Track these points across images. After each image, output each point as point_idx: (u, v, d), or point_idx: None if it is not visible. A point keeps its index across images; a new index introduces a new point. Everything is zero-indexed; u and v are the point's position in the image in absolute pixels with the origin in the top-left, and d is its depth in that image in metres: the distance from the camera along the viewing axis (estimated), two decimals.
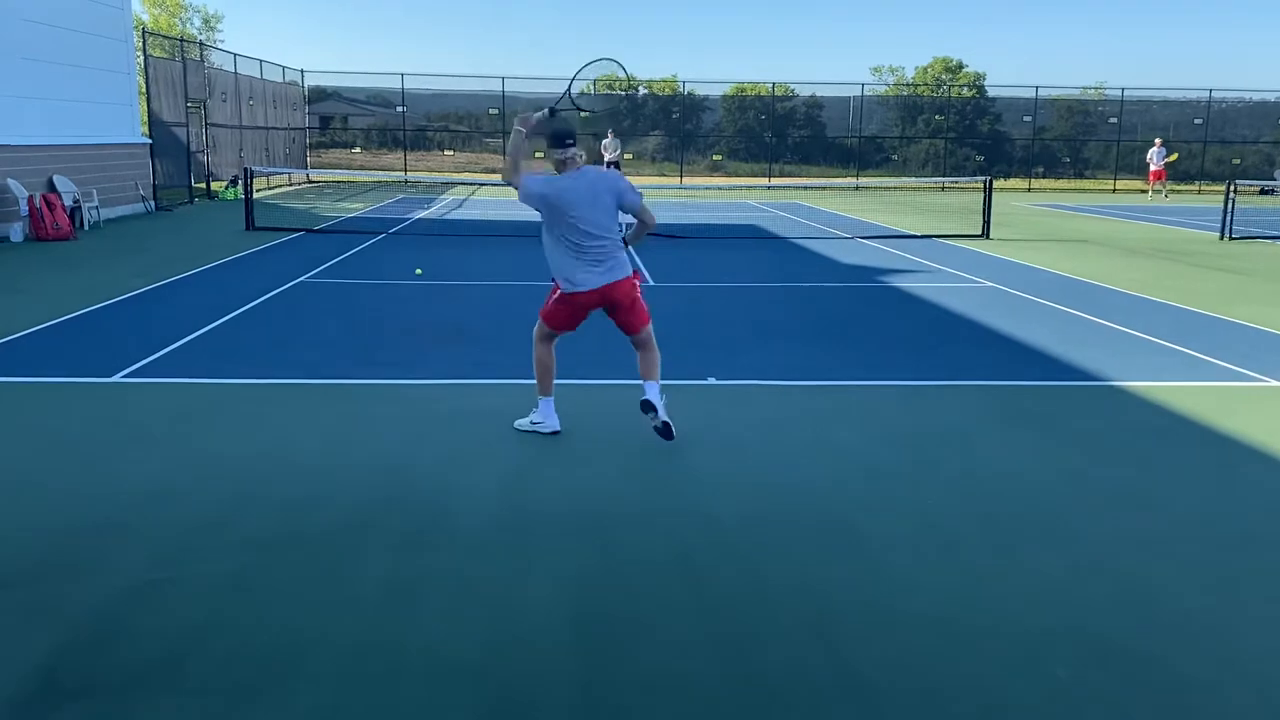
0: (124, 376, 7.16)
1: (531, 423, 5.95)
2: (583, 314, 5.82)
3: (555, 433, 5.89)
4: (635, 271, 5.86)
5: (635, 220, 5.99)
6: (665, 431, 5.63)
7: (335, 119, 40.27)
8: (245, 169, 18.84)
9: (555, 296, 5.81)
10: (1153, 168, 31.37)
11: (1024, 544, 4.48)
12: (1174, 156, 31.93)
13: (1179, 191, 33.88)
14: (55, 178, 16.67)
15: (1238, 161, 36.98)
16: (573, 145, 5.62)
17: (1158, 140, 31.88)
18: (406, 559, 4.22)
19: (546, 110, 5.90)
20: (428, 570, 4.12)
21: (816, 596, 3.95)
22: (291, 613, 3.75)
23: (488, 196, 27.64)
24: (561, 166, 5.63)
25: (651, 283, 11.94)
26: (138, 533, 4.44)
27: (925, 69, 46.72)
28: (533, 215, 5.82)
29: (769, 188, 32.42)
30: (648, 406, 5.65)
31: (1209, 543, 4.54)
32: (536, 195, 5.57)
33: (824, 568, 4.21)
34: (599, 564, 4.21)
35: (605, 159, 30.82)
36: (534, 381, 5.92)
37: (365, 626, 3.65)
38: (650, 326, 5.90)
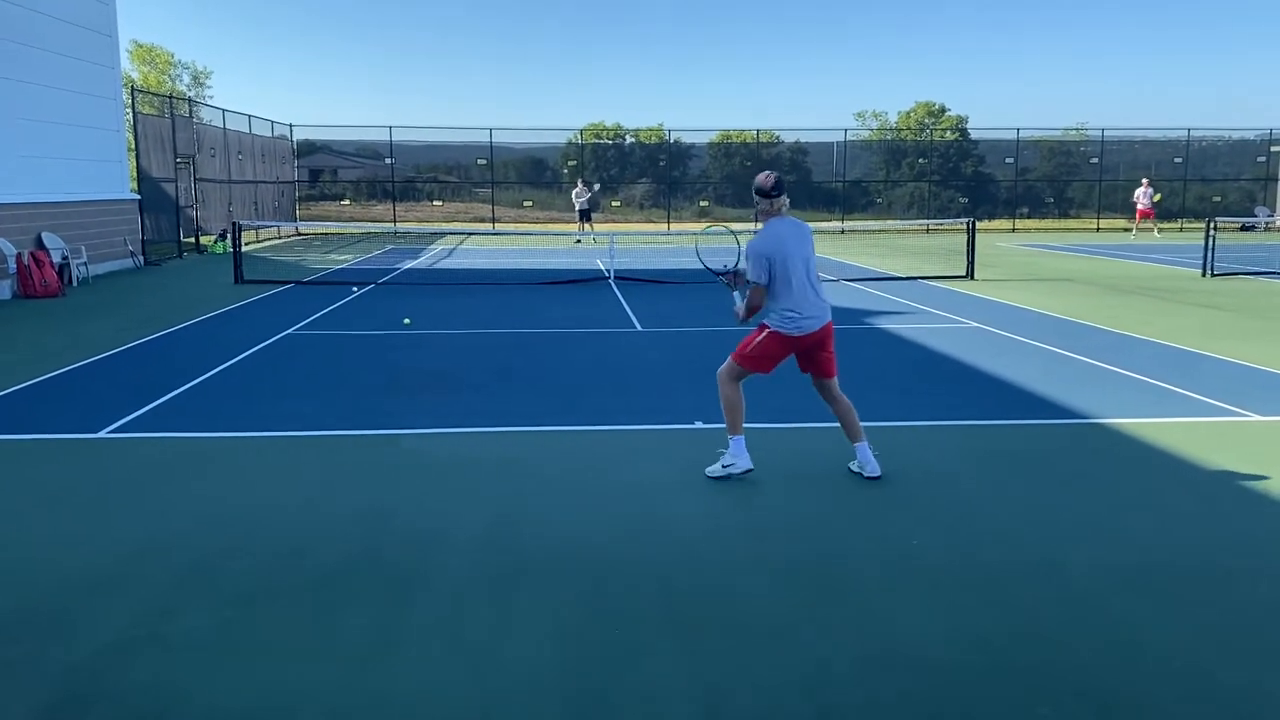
0: (110, 432, 7.15)
1: (723, 466, 6.02)
2: (789, 354, 6.03)
3: (749, 471, 5.98)
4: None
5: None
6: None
7: (325, 172, 40.58)
8: (233, 223, 18.94)
9: (763, 338, 5.98)
10: (1140, 206, 31.68)
11: (1009, 583, 4.49)
12: (1159, 198, 32.20)
13: (1163, 229, 34.20)
14: (44, 235, 16.74)
15: (1218, 199, 37.42)
16: (779, 195, 6.06)
17: (1144, 180, 32.19)
18: (390, 611, 4.21)
19: (730, 274, 6.58)
20: (411, 622, 4.11)
21: (800, 640, 3.94)
22: (275, 667, 3.73)
23: (476, 245, 27.77)
24: (770, 214, 6.08)
25: (640, 329, 12.02)
26: (122, 588, 4.43)
27: (908, 114, 47.29)
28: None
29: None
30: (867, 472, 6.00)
31: (1192, 579, 4.55)
32: (765, 258, 5.91)
33: (808, 610, 4.21)
34: (584, 613, 4.20)
35: (576, 208, 30.99)
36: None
37: (348, 681, 3.63)
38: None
